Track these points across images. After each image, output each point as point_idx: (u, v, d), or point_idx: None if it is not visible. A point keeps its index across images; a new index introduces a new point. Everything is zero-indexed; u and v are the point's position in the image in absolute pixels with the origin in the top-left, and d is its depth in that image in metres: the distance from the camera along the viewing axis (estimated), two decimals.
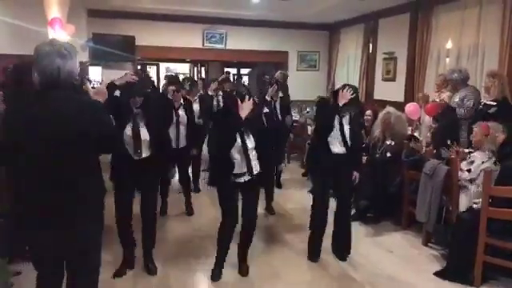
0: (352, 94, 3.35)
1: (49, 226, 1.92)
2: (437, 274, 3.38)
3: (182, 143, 4.46)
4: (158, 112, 3.38)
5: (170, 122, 4.31)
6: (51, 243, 1.95)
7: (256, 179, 3.22)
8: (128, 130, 3.05)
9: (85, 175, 1.97)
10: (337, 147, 3.48)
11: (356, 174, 3.60)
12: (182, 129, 4.44)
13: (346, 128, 3.48)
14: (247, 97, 3.08)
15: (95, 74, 7.57)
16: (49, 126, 1.86)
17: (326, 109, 3.57)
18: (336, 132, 3.46)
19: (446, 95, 4.86)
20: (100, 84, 6.87)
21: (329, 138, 3.48)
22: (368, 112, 5.05)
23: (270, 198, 4.85)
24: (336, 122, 3.45)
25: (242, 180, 3.18)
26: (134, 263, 3.35)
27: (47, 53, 1.91)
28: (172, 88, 4.36)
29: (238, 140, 3.10)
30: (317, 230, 3.63)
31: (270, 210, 4.82)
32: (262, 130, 3.51)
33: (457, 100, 4.54)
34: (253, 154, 3.19)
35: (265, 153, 3.31)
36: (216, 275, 3.29)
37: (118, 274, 3.22)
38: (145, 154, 3.10)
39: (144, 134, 3.08)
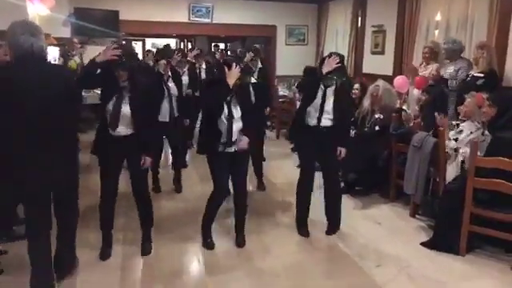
0: (337, 63, 3.29)
1: (35, 164, 2.37)
2: (424, 244, 3.45)
3: (176, 114, 4.41)
4: (147, 87, 3.27)
5: (162, 95, 4.25)
6: (37, 177, 2.40)
7: (241, 152, 3.24)
8: (110, 105, 2.93)
9: (61, 125, 2.45)
10: (313, 118, 3.41)
11: (341, 149, 3.50)
12: (174, 100, 4.37)
13: (330, 100, 3.40)
14: (234, 64, 3.08)
15: None
16: (29, 87, 2.32)
17: (311, 76, 3.49)
18: (316, 102, 3.38)
19: (434, 66, 4.84)
20: None
21: (308, 108, 3.42)
22: (356, 85, 5.01)
23: (259, 173, 4.79)
24: (319, 92, 3.38)
25: (232, 150, 3.19)
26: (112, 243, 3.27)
27: (22, 32, 2.34)
28: (164, 62, 4.27)
29: (225, 110, 3.10)
30: (300, 205, 3.65)
31: (261, 185, 4.79)
32: (248, 100, 3.49)
33: (450, 71, 4.55)
34: (237, 125, 3.18)
35: (250, 123, 3.30)
36: (209, 244, 3.36)
37: (104, 255, 3.16)
38: (124, 131, 2.97)
39: (125, 110, 2.94)
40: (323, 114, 3.40)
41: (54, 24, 6.27)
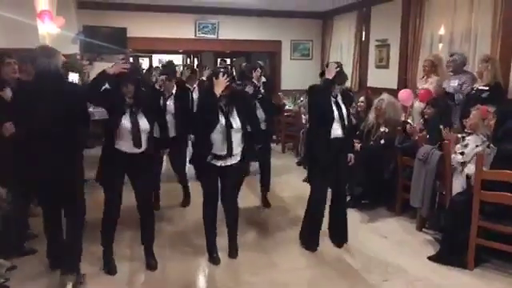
0: (336, 68, 3.35)
1: (47, 165, 2.77)
2: (431, 258, 3.42)
3: (171, 133, 4.30)
4: (149, 102, 3.33)
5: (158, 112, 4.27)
6: (46, 174, 2.79)
7: (236, 165, 3.28)
8: (126, 123, 2.95)
9: (70, 135, 2.86)
10: (337, 131, 3.43)
11: (351, 156, 3.58)
12: (170, 118, 4.31)
13: (344, 108, 3.47)
14: (221, 74, 3.16)
15: None
16: (45, 100, 2.74)
17: (319, 90, 3.48)
18: (335, 113, 3.41)
19: (434, 80, 4.87)
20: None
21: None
22: (361, 98, 5.04)
23: (266, 188, 4.75)
24: (332, 104, 3.42)
25: (219, 164, 3.22)
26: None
27: (40, 54, 2.90)
28: (162, 78, 4.30)
29: (222, 120, 3.14)
30: (315, 219, 3.61)
31: (265, 202, 4.74)
32: (250, 111, 3.54)
33: (454, 85, 4.57)
34: (237, 137, 3.21)
35: (255, 136, 3.36)
36: (215, 260, 3.36)
37: (112, 271, 3.17)
38: (144, 146, 3.03)
39: (144, 124, 3.00)
40: (339, 122, 3.45)
41: (64, 42, 6.39)
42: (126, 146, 2.99)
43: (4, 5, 4.82)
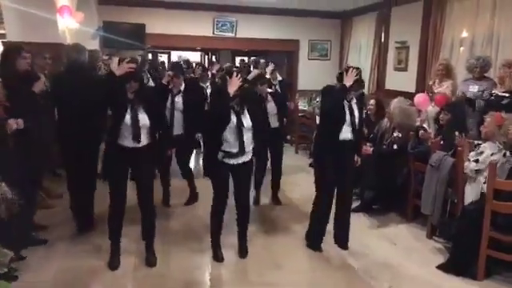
0: (356, 75, 3.31)
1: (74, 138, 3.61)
2: (440, 267, 3.35)
3: (178, 130, 4.33)
4: (152, 97, 3.36)
5: (163, 107, 4.23)
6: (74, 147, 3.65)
7: (248, 162, 3.30)
8: (127, 119, 3.00)
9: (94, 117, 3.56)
10: (347, 134, 3.41)
11: (358, 158, 3.57)
12: (178, 115, 4.32)
13: (356, 112, 3.44)
14: (235, 73, 3.18)
15: None
16: (76, 87, 3.47)
17: (333, 93, 3.46)
18: (347, 117, 3.39)
19: (448, 83, 4.74)
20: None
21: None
22: (371, 102, 4.95)
23: (276, 187, 4.78)
24: (346, 107, 3.40)
25: (232, 162, 3.23)
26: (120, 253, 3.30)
27: (70, 50, 3.87)
28: (169, 73, 4.32)
29: (234, 119, 3.14)
30: (320, 220, 3.60)
31: (276, 200, 4.77)
32: (259, 111, 3.56)
33: (475, 91, 4.44)
34: (248, 135, 3.22)
35: (264, 136, 3.36)
36: (218, 257, 3.38)
37: (112, 265, 3.20)
38: (144, 141, 3.07)
39: (143, 119, 3.04)
40: (349, 126, 3.42)
41: (83, 37, 6.50)
42: (127, 141, 3.04)
43: (25, 0, 4.91)
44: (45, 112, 3.63)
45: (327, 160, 3.44)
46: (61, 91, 3.64)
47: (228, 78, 3.20)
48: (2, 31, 5.48)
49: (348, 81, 3.31)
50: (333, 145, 3.42)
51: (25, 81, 3.41)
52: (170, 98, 4.29)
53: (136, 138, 3.02)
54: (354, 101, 3.46)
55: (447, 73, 4.85)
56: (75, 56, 3.73)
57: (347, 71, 3.37)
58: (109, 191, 3.15)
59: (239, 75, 3.20)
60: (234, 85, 3.14)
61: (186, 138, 4.39)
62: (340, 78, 3.42)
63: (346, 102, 3.40)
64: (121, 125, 3.00)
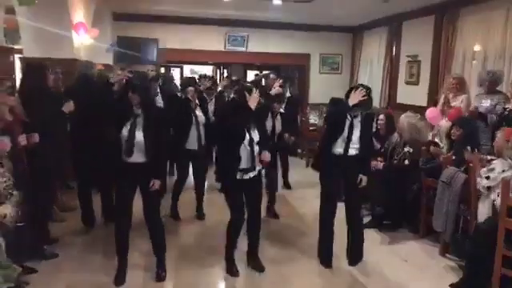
0: (364, 96, 3.31)
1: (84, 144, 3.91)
2: (453, 286, 3.28)
3: (203, 142, 4.44)
4: (162, 114, 3.43)
5: (189, 123, 4.35)
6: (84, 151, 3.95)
7: (258, 177, 3.34)
8: (125, 131, 3.03)
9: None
10: (339, 148, 3.43)
11: (362, 177, 3.50)
12: (201, 129, 4.41)
13: (357, 130, 3.43)
14: (254, 89, 3.23)
15: None
16: (89, 100, 3.78)
17: (338, 107, 3.50)
18: (344, 132, 3.40)
19: (464, 97, 4.70)
20: None
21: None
22: (381, 116, 4.92)
23: (272, 200, 4.72)
24: (346, 123, 3.41)
25: (247, 176, 3.25)
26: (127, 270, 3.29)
27: (80, 66, 4.64)
28: (191, 89, 4.39)
29: (247, 135, 3.18)
30: (323, 234, 3.61)
31: (273, 213, 4.72)
32: (263, 123, 3.59)
33: (487, 105, 4.39)
34: (256, 149, 3.25)
35: (265, 146, 3.37)
36: (233, 272, 3.37)
37: (117, 281, 3.18)
38: (137, 158, 3.06)
39: (139, 136, 3.03)
40: (350, 143, 3.42)
41: (98, 52, 6.65)
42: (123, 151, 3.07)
43: (42, 16, 5.05)
44: (59, 126, 3.73)
45: (325, 171, 3.51)
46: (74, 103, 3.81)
47: (247, 94, 3.21)
48: (17, 46, 5.64)
49: (353, 100, 3.33)
50: (327, 157, 3.47)
51: (51, 98, 3.58)
52: (192, 112, 4.37)
53: (128, 153, 3.02)
54: (359, 119, 3.45)
55: (461, 87, 4.81)
56: (84, 71, 4.35)
57: (355, 89, 3.39)
58: (114, 204, 3.19)
59: (257, 91, 3.24)
60: (254, 101, 3.17)
61: (204, 152, 4.48)
62: (348, 95, 3.43)
63: (348, 117, 3.41)
64: (119, 138, 3.02)
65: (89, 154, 3.84)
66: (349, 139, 3.41)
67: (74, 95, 3.83)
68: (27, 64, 3.91)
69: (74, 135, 4.04)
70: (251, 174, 3.28)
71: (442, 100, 5.04)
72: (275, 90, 4.57)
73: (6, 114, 2.96)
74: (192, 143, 4.39)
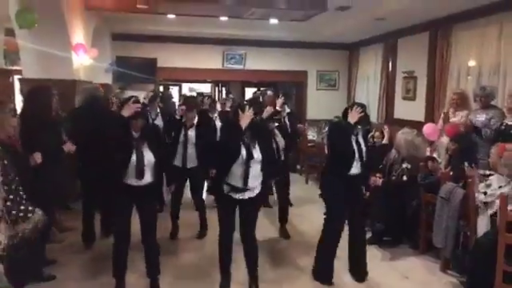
0: (361, 113, 3.36)
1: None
2: None
3: (192, 163, 4.40)
4: (157, 135, 3.43)
5: (176, 139, 4.36)
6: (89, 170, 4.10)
7: (255, 198, 3.25)
8: (133, 158, 3.06)
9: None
10: (355, 169, 3.47)
11: (366, 192, 3.61)
12: (190, 148, 4.38)
13: (363, 146, 3.49)
14: (247, 107, 3.20)
15: None
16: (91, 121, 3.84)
17: (341, 131, 3.52)
18: (356, 154, 3.44)
19: (464, 113, 4.73)
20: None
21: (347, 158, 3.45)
22: (377, 134, 4.96)
23: (284, 219, 4.73)
24: (353, 143, 3.45)
25: (237, 196, 3.19)
26: None
27: (83, 90, 4.68)
28: (182, 107, 4.42)
29: (243, 152, 3.14)
30: (327, 252, 3.58)
31: (284, 234, 4.70)
32: (267, 141, 3.55)
33: (482, 119, 4.42)
34: (256, 168, 3.19)
35: (273, 168, 3.37)
36: (221, 285, 3.31)
37: None
38: (148, 178, 3.10)
39: (148, 156, 3.09)
40: (358, 161, 3.46)
41: (97, 72, 6.71)
42: (130, 179, 3.10)
43: (42, 38, 5.11)
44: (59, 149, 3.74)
45: (336, 194, 3.46)
46: (79, 127, 4.00)
47: (240, 111, 3.21)
48: (16, 67, 5.70)
49: (353, 118, 3.38)
50: (342, 180, 3.45)
51: (53, 123, 3.66)
52: (183, 131, 4.37)
53: (140, 175, 3.06)
54: (360, 135, 3.52)
55: (462, 103, 4.83)
56: (91, 94, 4.45)
57: (351, 108, 3.44)
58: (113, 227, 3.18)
59: (251, 109, 3.21)
60: (246, 118, 3.16)
61: (199, 171, 4.44)
62: (345, 114, 3.47)
63: (353, 136, 3.46)
64: (128, 164, 3.04)
65: (95, 175, 3.85)
66: (361, 158, 3.46)
67: (80, 118, 4.04)
68: (33, 87, 3.90)
69: (80, 157, 4.07)
70: (246, 196, 3.22)
71: (442, 115, 5.08)
72: (266, 110, 4.56)
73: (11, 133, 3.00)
74: (178, 160, 4.38)
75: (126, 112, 3.04)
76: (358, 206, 3.57)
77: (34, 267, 3.37)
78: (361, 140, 3.49)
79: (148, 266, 3.29)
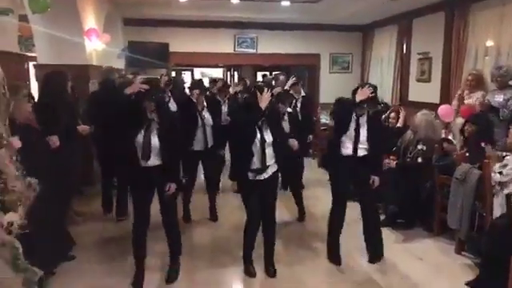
0: (371, 93, 3.30)
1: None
2: (468, 283, 3.23)
3: (210, 143, 4.46)
4: (174, 118, 3.43)
5: (195, 124, 4.38)
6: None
7: (274, 177, 3.30)
8: (140, 137, 3.06)
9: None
10: (347, 149, 3.43)
11: (374, 178, 3.47)
12: (208, 130, 4.42)
13: (363, 129, 3.42)
14: (266, 89, 3.22)
15: None
16: (105, 101, 3.95)
17: (343, 105, 3.50)
18: (351, 132, 3.40)
19: (479, 94, 4.64)
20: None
21: (343, 138, 3.43)
22: (392, 115, 4.89)
23: (300, 204, 4.74)
24: (352, 122, 3.40)
25: (262, 177, 3.24)
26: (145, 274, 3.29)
27: (102, 72, 5.14)
28: (196, 91, 4.43)
29: (258, 135, 3.18)
30: (331, 232, 3.62)
31: (301, 216, 4.73)
32: (278, 126, 3.55)
33: (500, 100, 4.35)
34: (269, 150, 3.23)
35: (282, 150, 3.37)
36: (251, 272, 3.38)
37: (136, 284, 3.20)
38: (154, 161, 3.10)
39: (155, 141, 3.07)
40: (358, 143, 3.41)
41: (110, 57, 6.74)
42: (142, 160, 3.10)
43: (54, 24, 5.14)
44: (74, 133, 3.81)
45: (334, 171, 3.52)
46: (97, 109, 4.28)
47: (259, 93, 3.20)
48: (29, 54, 5.74)
49: (360, 97, 3.32)
50: (336, 157, 3.48)
51: (70, 107, 3.76)
52: (198, 115, 4.39)
53: (145, 157, 3.07)
54: (365, 118, 3.43)
55: (477, 84, 4.75)
56: (109, 76, 4.76)
57: (362, 86, 3.39)
58: (133, 208, 3.22)
59: (269, 91, 3.23)
60: (265, 100, 3.16)
61: (215, 151, 4.51)
62: (355, 93, 3.42)
63: (354, 116, 3.40)
64: (134, 144, 3.06)
65: (112, 154, 4.13)
66: (356, 139, 3.40)
67: (99, 101, 4.33)
68: (48, 72, 3.94)
69: (97, 138, 4.51)
70: (265, 175, 3.26)
71: (457, 96, 4.99)
72: (275, 91, 4.53)
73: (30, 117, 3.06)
74: (198, 144, 4.41)
75: (129, 90, 3.08)
76: (364, 189, 3.53)
77: (60, 249, 3.46)
78: (362, 122, 3.42)
79: (170, 246, 3.35)
